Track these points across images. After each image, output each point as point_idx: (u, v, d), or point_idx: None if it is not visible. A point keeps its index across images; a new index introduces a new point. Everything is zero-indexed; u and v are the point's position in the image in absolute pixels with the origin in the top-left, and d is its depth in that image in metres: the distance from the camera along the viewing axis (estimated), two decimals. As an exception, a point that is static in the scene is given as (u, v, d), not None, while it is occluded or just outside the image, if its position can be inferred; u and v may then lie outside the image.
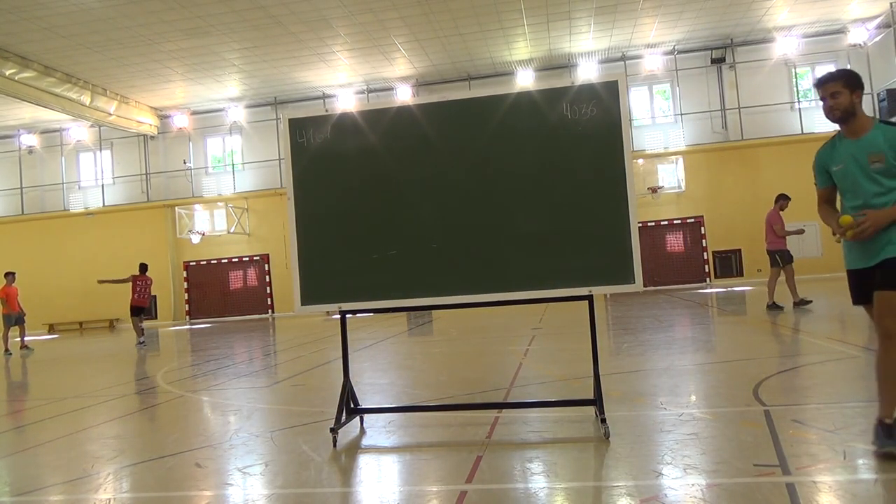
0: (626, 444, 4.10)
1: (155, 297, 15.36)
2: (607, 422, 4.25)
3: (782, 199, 12.07)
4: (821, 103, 3.80)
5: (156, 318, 15.69)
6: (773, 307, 11.64)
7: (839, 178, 3.79)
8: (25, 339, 16.54)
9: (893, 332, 3.53)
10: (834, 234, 3.79)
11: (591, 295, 4.48)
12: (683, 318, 12.49)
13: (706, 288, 22.32)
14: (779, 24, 21.93)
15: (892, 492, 3.10)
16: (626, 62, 23.68)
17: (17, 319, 16.12)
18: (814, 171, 3.95)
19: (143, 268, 15.38)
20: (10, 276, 16.13)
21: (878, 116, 3.87)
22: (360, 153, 4.73)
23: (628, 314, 14.02)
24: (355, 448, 4.60)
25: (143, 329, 15.21)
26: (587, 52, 23.37)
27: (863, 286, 3.74)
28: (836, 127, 3.80)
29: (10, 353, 15.61)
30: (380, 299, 4.72)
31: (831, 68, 28.35)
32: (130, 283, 15.18)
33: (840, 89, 3.69)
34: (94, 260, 26.45)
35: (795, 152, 20.36)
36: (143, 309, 15.38)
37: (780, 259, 11.82)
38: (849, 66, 22.64)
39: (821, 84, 3.77)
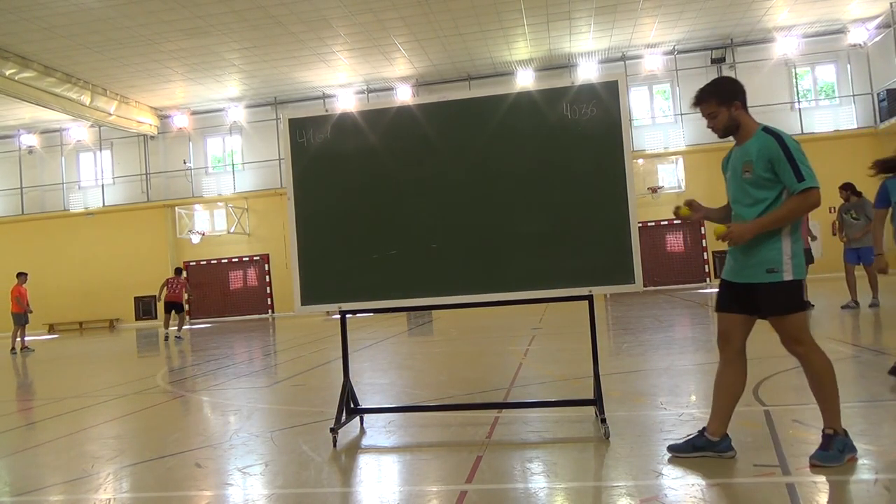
0: (626, 444, 4.10)
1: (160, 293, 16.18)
2: (607, 422, 4.25)
3: None
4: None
5: (155, 317, 15.75)
6: None
7: (727, 185, 3.73)
8: (25, 339, 16.61)
9: (803, 354, 3.48)
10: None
11: (591, 295, 4.48)
12: (683, 318, 12.50)
13: (706, 288, 22.30)
14: (779, 24, 21.92)
15: (892, 492, 3.10)
16: (626, 62, 23.67)
17: (25, 319, 16.23)
18: None
19: (178, 271, 17.15)
20: (22, 276, 16.35)
21: (763, 124, 3.86)
22: (360, 153, 4.73)
23: (628, 314, 14.02)
24: (355, 448, 4.61)
25: (179, 324, 16.51)
26: (587, 52, 23.36)
27: (728, 297, 3.67)
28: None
29: (15, 353, 15.70)
30: (380, 299, 4.72)
31: (831, 68, 27.79)
32: (164, 282, 16.49)
33: (714, 109, 3.58)
34: (94, 260, 26.45)
35: (795, 152, 20.32)
36: (176, 304, 16.23)
37: None
38: (848, 66, 22.72)
39: (695, 105, 3.66)
